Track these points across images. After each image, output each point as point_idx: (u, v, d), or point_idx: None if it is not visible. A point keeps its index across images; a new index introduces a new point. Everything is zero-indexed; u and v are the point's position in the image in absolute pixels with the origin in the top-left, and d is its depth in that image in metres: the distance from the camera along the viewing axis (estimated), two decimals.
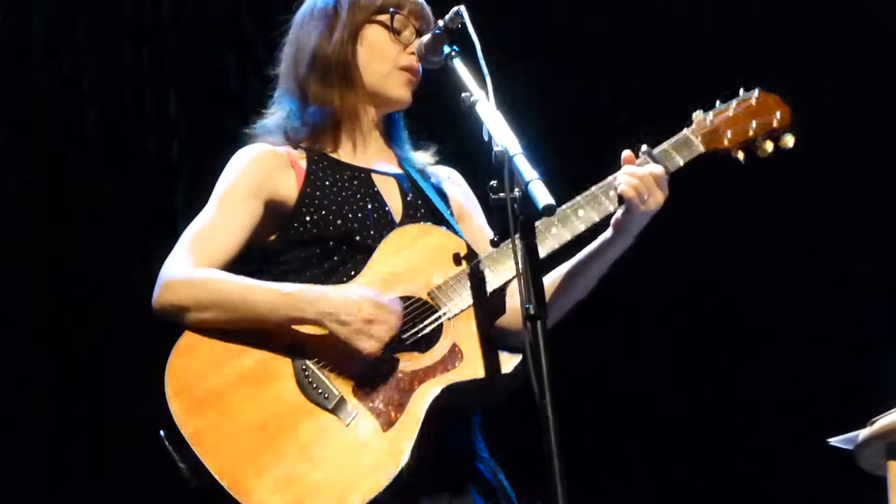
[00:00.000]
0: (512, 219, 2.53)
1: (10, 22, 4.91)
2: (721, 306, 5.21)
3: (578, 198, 2.93)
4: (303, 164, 3.05)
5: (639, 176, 2.90)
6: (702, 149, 3.01)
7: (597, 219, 2.93)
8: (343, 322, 2.76)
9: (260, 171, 3.02)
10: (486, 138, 2.63)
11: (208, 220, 2.98)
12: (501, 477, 2.96)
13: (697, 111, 3.05)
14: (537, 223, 2.81)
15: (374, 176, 3.08)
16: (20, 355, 4.82)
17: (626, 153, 2.98)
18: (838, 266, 5.21)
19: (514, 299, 2.91)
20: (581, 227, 2.91)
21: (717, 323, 5.21)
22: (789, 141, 3.06)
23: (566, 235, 2.89)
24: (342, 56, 3.07)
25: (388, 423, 2.74)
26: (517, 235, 2.52)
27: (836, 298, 5.21)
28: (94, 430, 4.80)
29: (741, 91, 3.09)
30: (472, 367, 2.77)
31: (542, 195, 2.44)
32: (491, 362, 2.77)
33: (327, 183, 3.03)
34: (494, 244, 2.78)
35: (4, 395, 4.72)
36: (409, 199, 3.07)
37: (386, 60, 3.07)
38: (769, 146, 3.06)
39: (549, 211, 2.43)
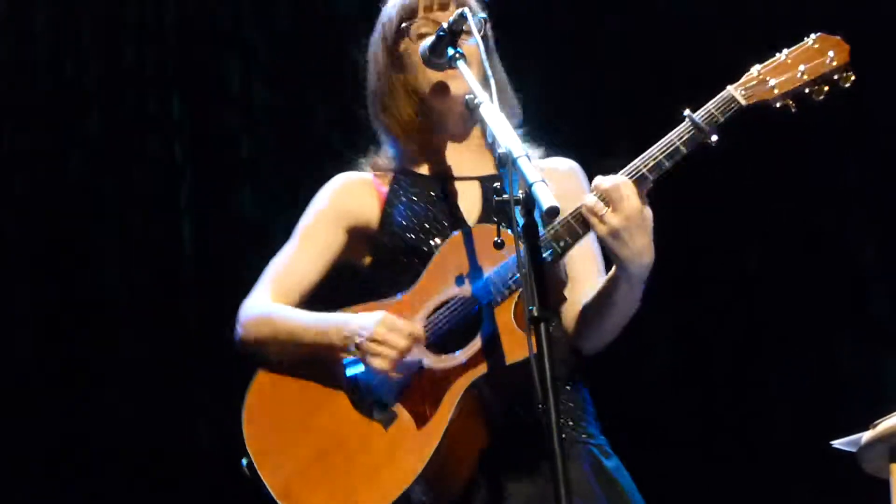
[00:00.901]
0: (515, 221, 2.52)
1: (13, 22, 4.92)
2: (721, 308, 5.20)
3: (556, 224, 2.82)
4: (385, 187, 3.14)
5: (600, 190, 2.74)
6: (743, 103, 2.81)
7: (571, 242, 2.82)
8: (357, 344, 2.87)
9: (339, 199, 3.15)
10: (489, 140, 2.64)
11: (289, 253, 3.15)
12: (603, 459, 3.01)
13: (754, 66, 2.88)
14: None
15: (454, 183, 3.11)
16: (21, 355, 4.83)
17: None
18: (842, 267, 5.20)
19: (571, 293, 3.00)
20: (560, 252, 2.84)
21: (718, 324, 5.21)
22: (846, 81, 2.85)
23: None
24: (387, 85, 3.13)
25: (423, 421, 2.84)
26: (521, 237, 2.51)
27: (839, 300, 5.20)
28: (95, 430, 4.80)
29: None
30: (501, 356, 2.80)
31: (545, 198, 2.43)
32: (517, 348, 2.78)
33: (404, 200, 3.10)
34: (498, 246, 2.79)
35: (5, 396, 4.73)
36: (500, 205, 3.05)
37: (418, 72, 3.06)
38: (825, 89, 2.85)
39: (552, 213, 2.43)
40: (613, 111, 5.13)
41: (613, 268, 2.87)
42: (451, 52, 2.88)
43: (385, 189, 3.13)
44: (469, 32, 2.87)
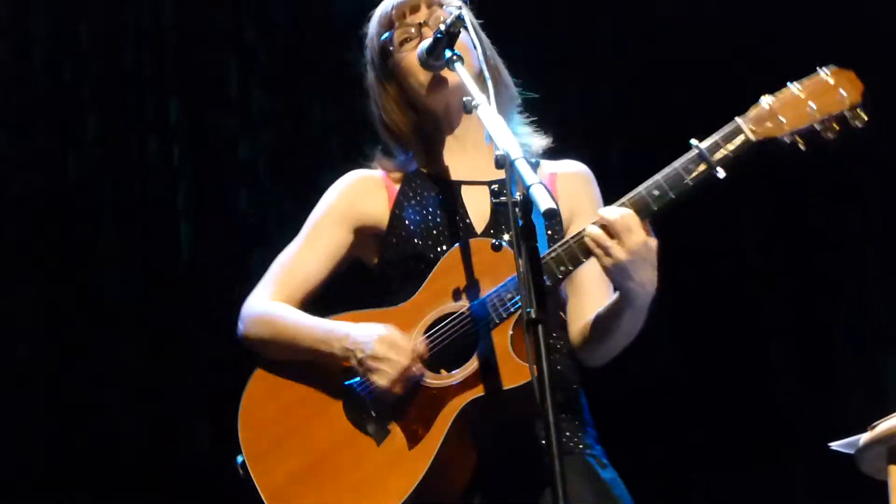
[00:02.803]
0: (514, 223, 2.50)
1: (12, 25, 4.92)
2: (720, 308, 5.20)
3: (558, 248, 2.82)
4: (396, 185, 3.12)
5: (606, 220, 2.71)
6: (752, 138, 2.73)
7: (572, 269, 2.81)
8: (359, 360, 2.86)
9: (348, 197, 3.13)
10: (487, 142, 2.63)
11: (295, 251, 3.12)
12: (599, 469, 2.98)
13: (764, 96, 2.77)
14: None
15: (463, 188, 3.09)
16: (20, 355, 4.83)
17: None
18: (840, 268, 5.20)
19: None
20: (561, 277, 2.82)
21: (717, 324, 5.20)
22: (858, 120, 2.72)
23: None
24: (382, 102, 3.13)
25: (414, 440, 2.81)
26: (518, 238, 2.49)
27: (837, 301, 5.20)
28: (94, 430, 4.81)
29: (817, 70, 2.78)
30: (497, 380, 2.77)
31: (543, 199, 2.42)
32: (514, 374, 2.76)
33: (413, 202, 3.08)
34: (496, 248, 2.77)
35: (4, 396, 4.73)
36: (499, 207, 3.05)
37: (410, 76, 3.07)
38: (835, 128, 2.73)
39: (550, 215, 2.41)
40: (607, 117, 5.14)
41: (617, 294, 2.85)
42: (448, 53, 2.88)
43: (396, 188, 3.11)
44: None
